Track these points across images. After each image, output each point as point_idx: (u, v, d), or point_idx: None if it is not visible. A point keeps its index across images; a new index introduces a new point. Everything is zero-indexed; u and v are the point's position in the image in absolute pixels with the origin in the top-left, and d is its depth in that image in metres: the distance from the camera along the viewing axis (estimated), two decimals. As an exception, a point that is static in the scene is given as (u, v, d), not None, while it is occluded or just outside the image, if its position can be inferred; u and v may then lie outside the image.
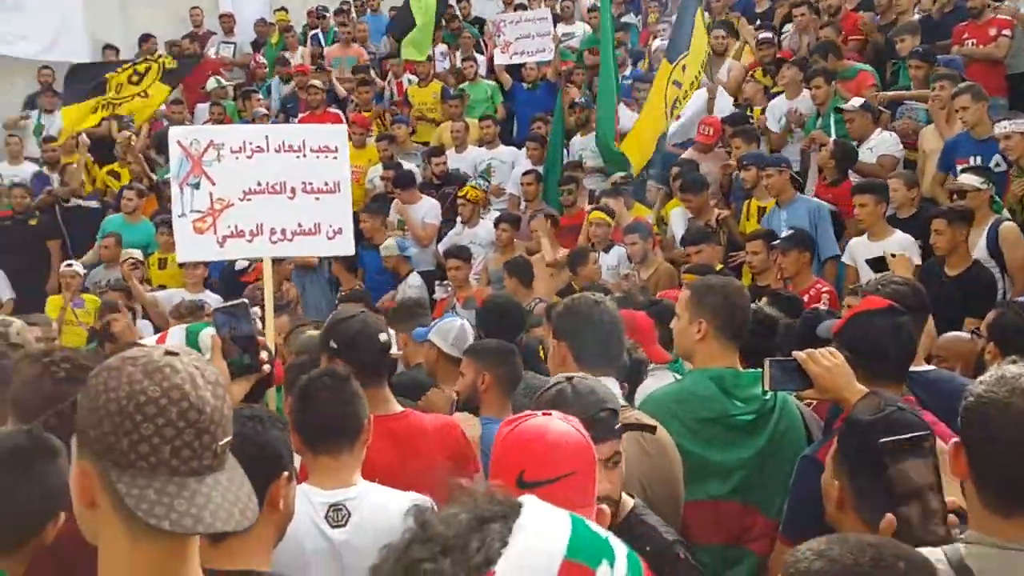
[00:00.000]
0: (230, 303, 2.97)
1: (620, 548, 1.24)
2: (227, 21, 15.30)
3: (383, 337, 3.56)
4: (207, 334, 4.48)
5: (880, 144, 8.38)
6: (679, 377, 4.00)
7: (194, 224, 4.61)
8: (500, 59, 12.05)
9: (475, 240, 9.64)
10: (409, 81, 13.17)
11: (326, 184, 4.76)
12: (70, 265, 9.44)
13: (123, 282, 9.14)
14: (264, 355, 2.81)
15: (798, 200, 7.93)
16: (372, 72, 13.48)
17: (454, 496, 1.30)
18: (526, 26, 11.64)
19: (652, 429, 2.81)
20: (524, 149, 11.06)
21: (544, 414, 2.19)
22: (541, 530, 1.20)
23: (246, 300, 3.01)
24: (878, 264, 5.54)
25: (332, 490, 2.85)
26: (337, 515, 2.82)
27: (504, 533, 1.18)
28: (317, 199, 4.73)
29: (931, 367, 3.83)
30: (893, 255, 5.76)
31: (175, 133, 4.78)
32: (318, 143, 4.79)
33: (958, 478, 2.09)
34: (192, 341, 4.35)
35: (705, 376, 3.40)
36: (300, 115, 12.75)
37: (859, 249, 7.19)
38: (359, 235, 8.48)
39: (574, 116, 10.91)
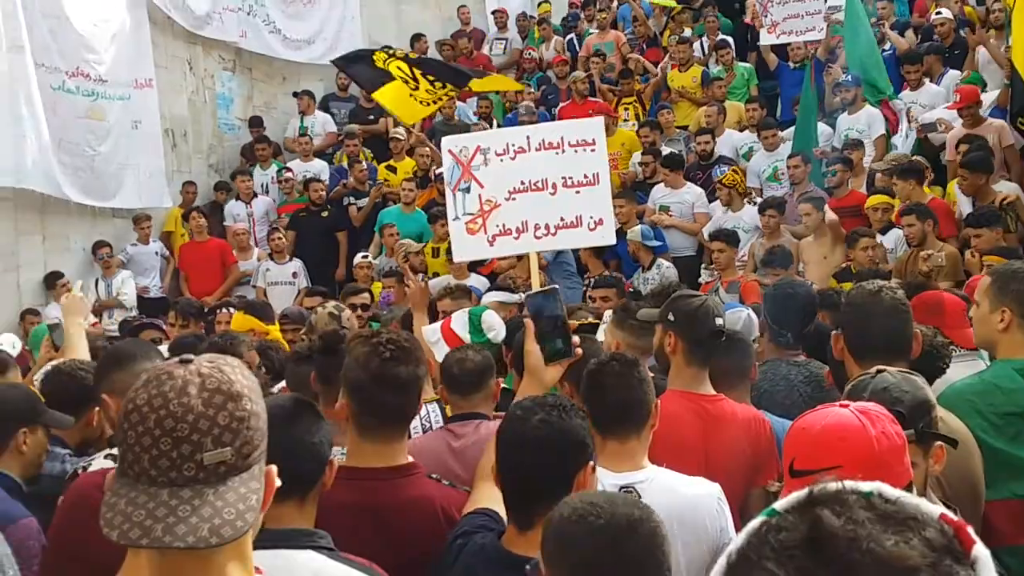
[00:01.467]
0: (542, 288, 3.04)
1: None
2: (500, 16, 15.71)
3: (719, 321, 3.60)
4: (488, 315, 4.73)
5: None
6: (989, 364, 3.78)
7: (467, 226, 4.86)
8: (766, 39, 11.79)
9: (739, 225, 9.52)
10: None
11: (585, 177, 4.85)
12: (365, 256, 10.12)
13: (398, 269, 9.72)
14: (576, 339, 2.87)
15: None
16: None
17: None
18: (795, 5, 11.30)
19: (953, 443, 2.67)
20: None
21: (841, 405, 2.18)
22: None
23: (556, 286, 3.10)
24: None
25: (622, 473, 2.91)
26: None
27: None
28: (577, 192, 4.83)
29: None
30: None
31: (447, 142, 5.03)
32: (576, 137, 4.88)
33: None
34: (476, 324, 4.61)
35: (1009, 367, 3.24)
36: (561, 104, 13.06)
37: None
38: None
39: (839, 96, 10.52)
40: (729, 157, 11.06)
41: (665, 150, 11.23)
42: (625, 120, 12.51)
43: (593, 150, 4.90)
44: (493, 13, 15.73)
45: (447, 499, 2.89)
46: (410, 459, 2.95)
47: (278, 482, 1.63)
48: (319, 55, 14.69)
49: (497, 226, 4.85)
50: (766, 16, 11.52)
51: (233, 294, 10.76)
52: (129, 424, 1.51)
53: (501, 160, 4.89)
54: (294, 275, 11.15)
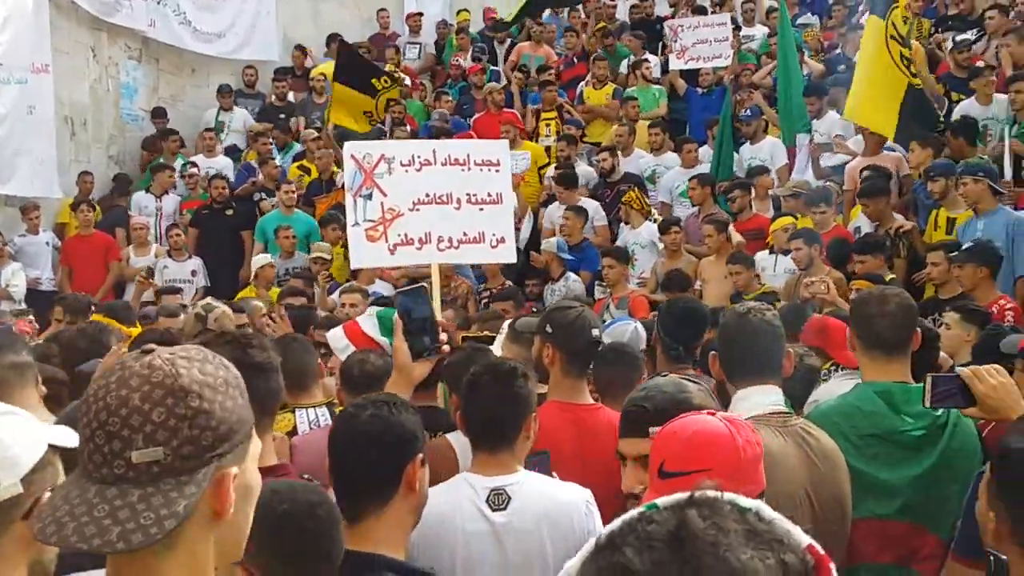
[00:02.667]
0: (409, 287, 3.15)
1: None
2: (414, 21, 15.66)
3: (595, 332, 3.66)
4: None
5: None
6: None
7: (367, 233, 4.88)
8: (675, 64, 11.99)
9: (637, 241, 9.66)
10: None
11: (489, 195, 4.97)
12: (267, 258, 9.95)
13: (307, 270, 9.60)
14: (444, 336, 2.98)
15: (999, 212, 7.51)
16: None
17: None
18: (704, 31, 11.55)
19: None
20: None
21: (709, 413, 2.23)
22: None
23: (424, 284, 3.16)
24: None
25: (492, 476, 2.95)
26: (498, 499, 2.90)
27: None
28: (481, 210, 4.95)
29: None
30: None
31: (349, 147, 5.07)
32: (482, 156, 5.03)
33: None
34: (388, 325, 4.57)
35: (871, 390, 3.31)
36: (477, 114, 13.08)
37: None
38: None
39: (747, 127, 10.77)
40: (635, 175, 11.19)
41: (580, 164, 11.33)
42: (547, 135, 12.56)
43: (498, 170, 5.05)
44: (407, 17, 15.66)
45: None
46: (277, 460, 2.92)
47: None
48: (230, 49, 14.51)
49: (399, 235, 4.90)
50: (675, 41, 11.72)
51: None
52: (80, 415, 1.45)
53: (406, 170, 4.94)
54: (193, 274, 10.90)
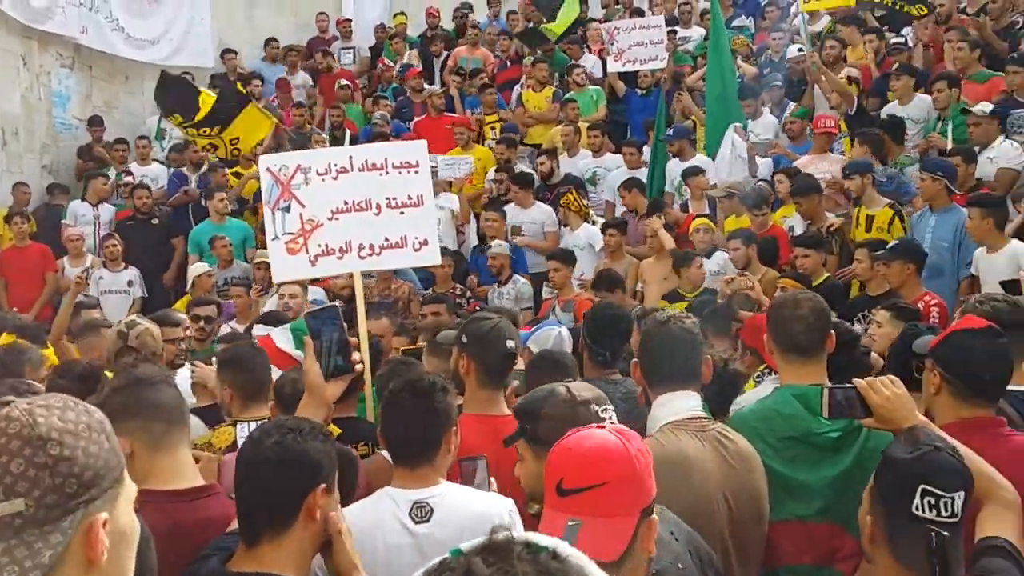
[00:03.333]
0: (320, 308, 3.10)
1: None
2: (344, 27, 15.62)
3: (510, 344, 3.67)
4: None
5: (1001, 155, 8.13)
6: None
7: (287, 246, 4.80)
8: (612, 67, 12.05)
9: (575, 243, 9.71)
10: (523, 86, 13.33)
11: (409, 198, 4.90)
12: (204, 266, 9.81)
13: (245, 279, 9.49)
14: (356, 356, 2.94)
15: (952, 209, 7.62)
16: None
17: None
18: (640, 34, 11.60)
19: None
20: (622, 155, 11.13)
21: (598, 426, 2.25)
22: None
23: (336, 305, 3.14)
24: (1011, 287, 5.38)
25: (414, 489, 2.97)
26: (421, 511, 2.92)
27: None
28: (402, 213, 4.88)
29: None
30: None
31: (264, 161, 4.98)
32: (400, 159, 4.95)
33: None
34: (300, 340, 4.53)
35: (789, 394, 3.36)
36: (416, 118, 13.06)
37: (980, 261, 7.08)
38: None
39: (671, 146, 10.89)
40: (575, 177, 11.24)
41: (519, 167, 11.35)
42: (492, 139, 12.57)
43: (417, 172, 4.95)
44: (338, 23, 15.59)
45: None
46: (202, 481, 2.92)
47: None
48: (164, 56, 14.31)
49: (319, 246, 4.82)
50: (612, 44, 11.79)
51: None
52: None
53: (323, 180, 4.87)
54: (129, 284, 10.74)
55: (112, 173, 12.44)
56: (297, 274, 5.34)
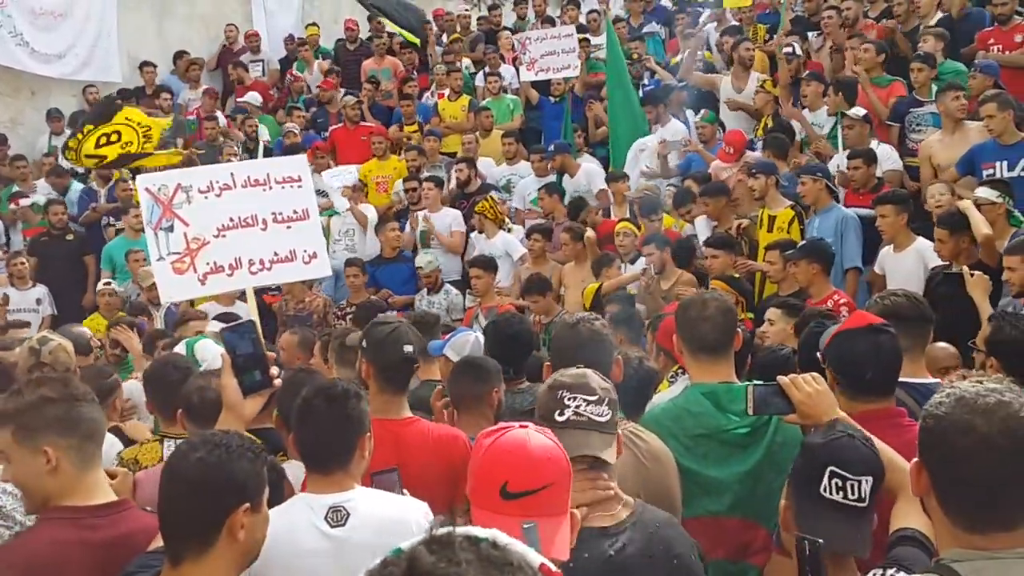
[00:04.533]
0: (236, 323, 3.07)
1: None
2: (252, 40, 15.44)
3: (408, 348, 3.71)
4: (202, 346, 4.63)
5: (881, 157, 8.45)
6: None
7: (173, 266, 4.72)
8: (526, 76, 12.13)
9: (492, 251, 9.73)
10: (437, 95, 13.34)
11: (295, 212, 4.89)
12: (108, 283, 9.62)
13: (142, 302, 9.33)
14: (274, 371, 2.92)
15: (832, 209, 7.91)
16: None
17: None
18: (551, 43, 11.71)
19: None
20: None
21: (521, 426, 2.24)
22: None
23: (252, 320, 3.12)
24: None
25: (329, 494, 2.99)
26: (336, 515, 2.94)
27: None
28: (288, 227, 4.86)
29: (936, 380, 3.84)
30: (972, 274, 5.89)
31: (142, 180, 4.90)
32: (282, 175, 4.93)
33: (918, 495, 2.12)
34: (190, 352, 4.51)
35: (698, 392, 3.43)
36: (332, 127, 12.98)
37: (887, 260, 7.29)
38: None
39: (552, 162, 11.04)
40: (490, 184, 11.29)
41: (432, 173, 11.36)
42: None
43: (300, 186, 4.95)
44: (246, 36, 15.42)
45: None
46: (115, 497, 2.88)
47: None
48: (71, 70, 14.01)
49: (208, 264, 4.75)
50: (525, 54, 11.88)
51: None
52: None
53: (206, 197, 4.81)
54: (38, 302, 10.51)
55: (14, 190, 12.15)
56: (186, 294, 5.24)
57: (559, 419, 2.59)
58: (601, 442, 2.61)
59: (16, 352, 5.42)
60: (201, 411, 3.69)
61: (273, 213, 4.85)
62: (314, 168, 11.23)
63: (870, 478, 2.54)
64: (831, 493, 2.50)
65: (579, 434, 2.57)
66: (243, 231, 4.79)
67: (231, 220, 4.78)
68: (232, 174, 4.90)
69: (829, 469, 2.51)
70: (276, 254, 4.80)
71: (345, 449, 3.03)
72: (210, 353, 4.60)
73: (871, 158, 8.27)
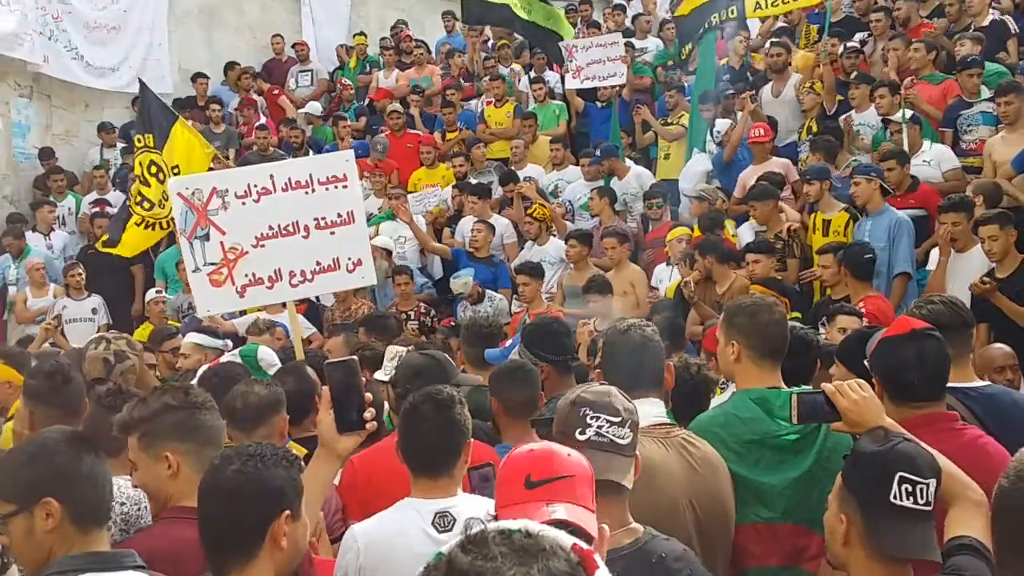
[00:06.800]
0: (342, 359, 2.94)
1: None
2: (301, 49, 15.52)
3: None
4: (265, 352, 4.59)
5: (938, 157, 8.41)
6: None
7: (210, 278, 4.53)
8: (571, 84, 12.09)
9: (544, 258, 9.72)
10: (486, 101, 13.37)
11: (339, 216, 4.64)
12: (159, 292, 9.75)
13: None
14: (368, 414, 2.80)
15: (885, 211, 7.81)
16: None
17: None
18: (597, 51, 11.67)
19: None
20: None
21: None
22: None
23: (355, 358, 3.06)
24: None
25: (435, 499, 3.06)
26: (444, 521, 3.01)
27: None
28: (332, 233, 4.62)
29: (987, 383, 3.79)
30: (985, 282, 6.01)
31: (173, 185, 4.67)
32: (325, 174, 4.66)
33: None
34: (252, 363, 4.42)
35: (747, 398, 3.40)
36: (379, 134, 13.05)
37: (951, 264, 7.16)
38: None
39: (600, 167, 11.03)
40: (540, 190, 11.30)
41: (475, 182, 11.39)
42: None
43: (345, 186, 4.67)
44: (294, 46, 15.53)
45: None
46: None
47: None
48: (124, 83, 14.21)
49: (246, 276, 4.54)
50: (571, 61, 11.88)
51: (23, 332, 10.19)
52: None
53: (243, 203, 4.57)
54: (93, 311, 10.68)
55: (72, 204, 12.36)
56: (224, 307, 5.00)
57: (580, 437, 2.58)
58: (621, 467, 2.59)
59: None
60: (243, 415, 3.67)
61: (316, 219, 4.61)
62: (372, 188, 11.32)
63: (935, 480, 2.50)
64: (902, 499, 2.44)
65: (600, 456, 2.53)
66: (283, 240, 4.57)
67: (270, 228, 4.58)
68: (272, 176, 4.65)
69: (899, 475, 2.45)
70: (319, 263, 4.61)
71: (451, 454, 3.10)
72: (272, 358, 4.55)
73: (904, 159, 8.20)
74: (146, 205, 8.92)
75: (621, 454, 2.59)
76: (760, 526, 3.30)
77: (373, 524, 3.03)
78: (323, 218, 4.64)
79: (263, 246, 4.58)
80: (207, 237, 4.54)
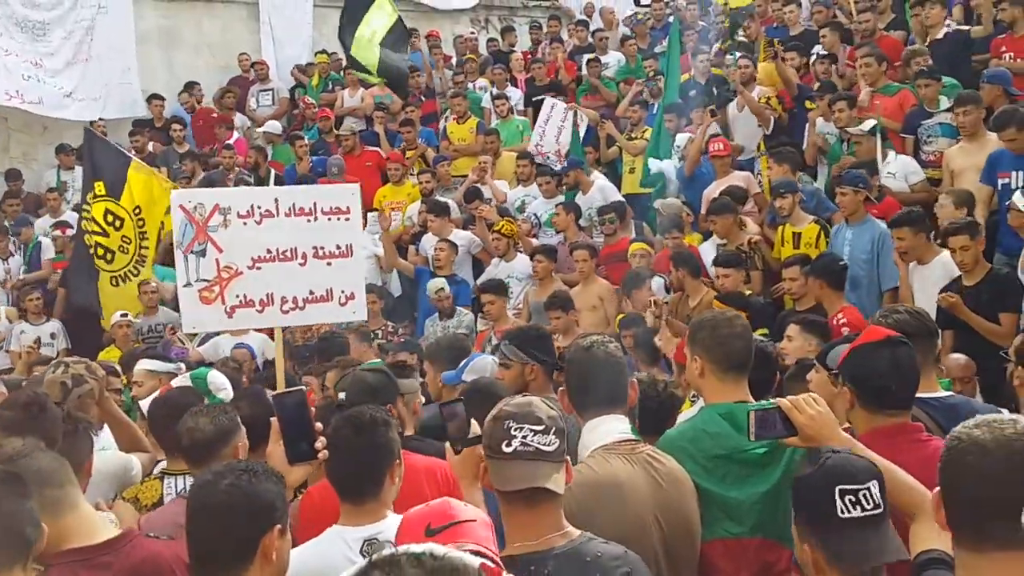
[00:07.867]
0: (290, 390, 2.97)
1: None
2: (261, 68, 15.45)
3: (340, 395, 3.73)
4: (215, 376, 4.50)
5: (903, 169, 8.47)
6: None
7: (200, 294, 4.50)
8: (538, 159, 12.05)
9: (512, 274, 9.70)
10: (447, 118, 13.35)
11: (338, 248, 4.64)
12: (124, 315, 9.62)
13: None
14: (319, 444, 2.86)
15: (867, 222, 7.79)
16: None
17: None
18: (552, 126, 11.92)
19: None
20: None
21: None
22: None
23: (303, 388, 3.05)
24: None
25: (364, 526, 3.00)
26: (371, 548, 2.93)
27: None
28: (329, 264, 4.62)
29: (949, 392, 3.80)
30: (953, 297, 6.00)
31: (177, 197, 4.65)
32: (330, 205, 4.67)
33: (942, 529, 2.07)
34: (202, 386, 4.33)
35: (715, 412, 3.38)
36: (333, 155, 12.96)
37: (913, 273, 7.16)
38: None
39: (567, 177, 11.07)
40: (505, 207, 11.27)
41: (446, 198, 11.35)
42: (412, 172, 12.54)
43: (348, 219, 4.68)
44: (253, 65, 15.43)
45: (171, 550, 2.90)
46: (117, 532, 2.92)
47: None
48: (89, 113, 14.02)
49: (238, 296, 4.51)
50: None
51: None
52: None
53: (245, 223, 4.55)
54: (52, 336, 10.55)
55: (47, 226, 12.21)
56: (210, 326, 5.01)
57: (507, 450, 2.58)
58: (547, 472, 2.59)
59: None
60: (192, 451, 3.58)
61: (315, 247, 4.60)
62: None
63: (875, 481, 2.50)
64: (849, 511, 2.45)
65: (527, 465, 2.57)
66: (280, 265, 4.54)
67: (268, 252, 4.55)
68: (276, 200, 4.64)
69: (838, 488, 2.45)
70: (312, 292, 4.58)
71: (375, 478, 3.05)
72: (222, 381, 4.47)
73: (872, 169, 8.24)
74: (108, 256, 8.85)
75: (548, 460, 2.59)
76: (729, 541, 3.27)
77: (297, 555, 2.87)
78: (322, 248, 4.64)
79: (259, 268, 4.56)
80: (203, 253, 4.53)
